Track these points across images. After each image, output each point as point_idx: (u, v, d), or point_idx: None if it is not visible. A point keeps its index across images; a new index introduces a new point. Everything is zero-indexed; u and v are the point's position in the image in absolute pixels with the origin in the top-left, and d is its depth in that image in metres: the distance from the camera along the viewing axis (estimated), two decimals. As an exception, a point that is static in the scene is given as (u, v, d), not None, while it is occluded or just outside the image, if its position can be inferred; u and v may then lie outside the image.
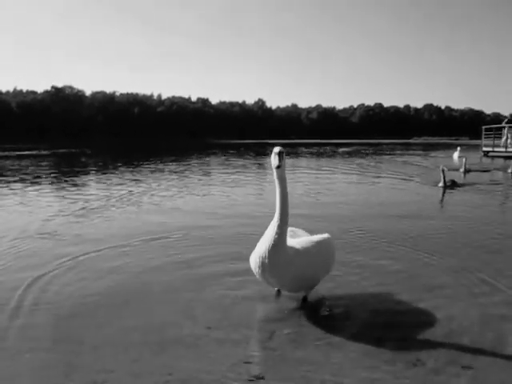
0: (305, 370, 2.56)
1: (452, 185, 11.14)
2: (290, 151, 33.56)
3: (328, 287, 3.79)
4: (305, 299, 3.50)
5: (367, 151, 35.16)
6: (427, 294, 3.70)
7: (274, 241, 3.16)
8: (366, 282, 4.03)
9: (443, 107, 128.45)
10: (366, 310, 3.41)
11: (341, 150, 38.32)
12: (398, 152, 33.78)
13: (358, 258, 4.69)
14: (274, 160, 3.18)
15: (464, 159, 15.32)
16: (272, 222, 3.24)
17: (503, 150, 24.42)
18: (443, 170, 11.17)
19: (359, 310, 3.41)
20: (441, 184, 11.23)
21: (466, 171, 14.83)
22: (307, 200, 8.91)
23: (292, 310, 3.41)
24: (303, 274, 3.32)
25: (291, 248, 3.28)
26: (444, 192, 10.49)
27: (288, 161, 18.90)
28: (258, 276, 3.41)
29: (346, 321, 3.24)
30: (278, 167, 3.14)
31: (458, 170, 15.02)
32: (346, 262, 4.46)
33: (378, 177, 14.72)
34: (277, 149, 3.17)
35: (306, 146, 47.41)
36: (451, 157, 23.11)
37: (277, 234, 3.16)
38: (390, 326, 3.15)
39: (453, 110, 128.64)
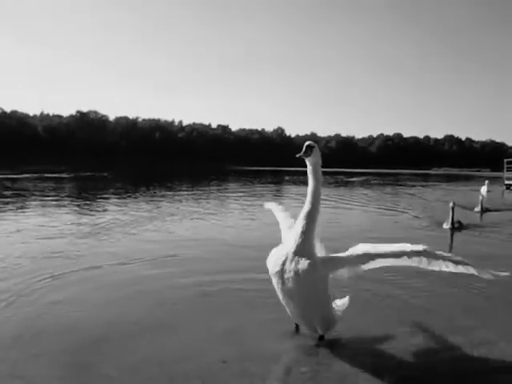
0: (321, 411, 2.52)
1: (459, 227, 9.34)
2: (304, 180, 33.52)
3: (346, 324, 3.72)
4: (321, 337, 3.43)
5: (377, 181, 34.88)
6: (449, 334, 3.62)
7: (301, 232, 3.15)
8: (381, 321, 3.96)
9: (464, 138, 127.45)
10: (385, 350, 3.35)
11: (353, 179, 38.05)
12: (409, 183, 33.39)
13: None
14: None
15: (480, 197, 13.22)
16: (298, 220, 3.24)
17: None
18: (452, 208, 9.26)
19: (378, 350, 3.35)
20: (447, 225, 9.40)
21: (483, 211, 12.79)
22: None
23: (309, 348, 3.36)
24: (317, 291, 3.20)
25: (318, 256, 3.22)
26: (452, 236, 8.83)
27: (293, 188, 18.74)
28: (272, 276, 3.29)
29: (364, 360, 3.18)
30: (299, 156, 3.23)
31: (472, 209, 12.94)
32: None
33: (379, 209, 13.74)
34: (307, 142, 3.28)
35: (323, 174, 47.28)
36: (478, 191, 20.51)
37: (303, 228, 3.16)
38: (411, 365, 3.09)
39: (473, 141, 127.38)
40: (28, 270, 5.34)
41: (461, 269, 2.97)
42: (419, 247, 3.04)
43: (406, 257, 3.06)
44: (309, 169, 3.31)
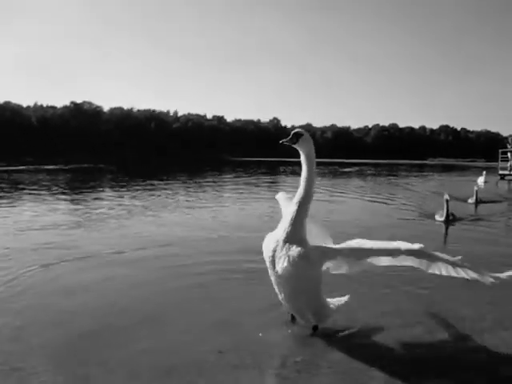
0: (316, 400, 2.55)
1: (453, 219, 8.99)
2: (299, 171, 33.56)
3: (342, 313, 3.74)
4: (315, 328, 3.45)
5: (371, 171, 34.89)
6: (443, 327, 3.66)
7: (291, 219, 3.16)
8: (378, 312, 3.99)
9: (459, 128, 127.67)
10: (380, 340, 3.37)
11: (346, 170, 37.96)
12: (403, 174, 33.47)
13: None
14: None
15: (475, 188, 12.68)
16: (292, 202, 3.26)
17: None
18: (447, 200, 8.86)
19: (373, 340, 3.38)
20: (440, 217, 9.00)
21: (478, 202, 12.45)
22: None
23: (304, 338, 3.39)
24: (308, 279, 3.17)
25: (309, 244, 3.20)
26: (446, 229, 8.50)
27: (289, 179, 18.59)
28: (266, 259, 3.30)
29: (358, 350, 3.21)
30: (283, 142, 3.27)
31: (466, 200, 12.66)
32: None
33: (373, 200, 13.55)
34: (296, 130, 3.30)
35: (318, 164, 47.45)
36: (475, 182, 20.37)
37: (293, 214, 3.17)
38: (404, 356, 3.12)
39: (469, 131, 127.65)
40: (20, 260, 5.32)
41: (461, 273, 2.89)
42: (415, 246, 2.97)
43: (402, 256, 3.00)
44: (302, 157, 3.32)
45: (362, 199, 14.16)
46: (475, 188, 12.65)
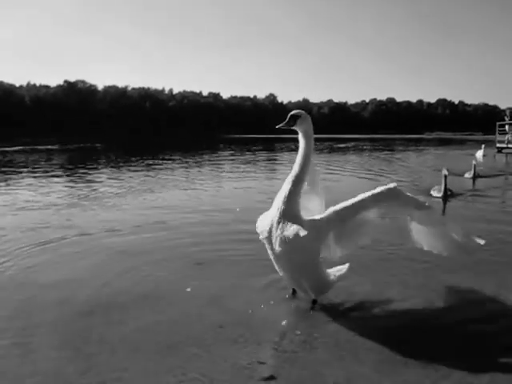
0: (317, 372, 2.58)
1: (450, 195, 8.69)
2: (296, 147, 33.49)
3: (342, 287, 3.77)
4: (314, 301, 3.48)
5: (367, 147, 34.71)
6: (441, 299, 3.70)
7: (285, 196, 3.13)
8: (378, 285, 4.02)
9: (457, 102, 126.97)
10: (380, 313, 3.40)
11: (341, 145, 37.57)
12: (400, 148, 33.35)
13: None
14: None
15: (473, 162, 12.30)
16: (287, 179, 3.23)
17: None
18: (445, 176, 8.49)
19: (373, 313, 3.41)
20: (438, 193, 8.65)
21: (475, 177, 12.08)
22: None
23: (304, 312, 3.42)
24: (305, 254, 3.17)
25: (306, 220, 3.17)
26: (444, 206, 8.09)
27: (285, 155, 18.42)
28: (262, 239, 3.31)
29: (357, 323, 3.24)
30: (280, 127, 3.23)
31: (463, 175, 12.30)
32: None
33: (366, 177, 13.02)
34: (292, 112, 3.26)
35: (314, 141, 47.05)
36: (473, 155, 19.69)
37: (288, 191, 3.14)
38: (405, 328, 3.15)
39: (466, 104, 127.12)
40: (17, 240, 5.32)
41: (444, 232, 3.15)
42: (391, 184, 3.19)
43: (384, 203, 3.16)
44: (300, 135, 3.29)
45: (356, 176, 13.91)
46: (473, 162, 12.27)
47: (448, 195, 8.60)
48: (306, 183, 3.42)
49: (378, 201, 3.18)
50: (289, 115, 3.23)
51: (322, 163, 17.56)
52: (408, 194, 3.25)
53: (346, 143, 42.11)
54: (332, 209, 3.22)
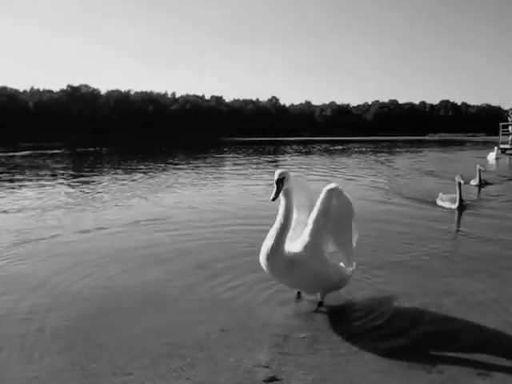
0: (321, 376, 2.56)
1: (465, 206, 7.66)
2: (298, 149, 33.53)
3: (348, 291, 3.75)
4: (320, 304, 3.49)
5: (363, 149, 34.22)
6: (444, 301, 3.67)
7: (272, 247, 3.19)
8: (383, 287, 4.01)
9: (459, 103, 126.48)
10: (386, 316, 3.39)
11: (337, 147, 37.07)
12: (398, 150, 33.09)
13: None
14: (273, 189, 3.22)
15: (479, 168, 10.50)
16: (273, 227, 3.25)
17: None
18: (459, 184, 7.49)
19: (378, 316, 3.39)
20: (449, 204, 7.61)
21: (482, 184, 10.62)
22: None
23: (309, 314, 3.41)
24: (302, 280, 3.35)
25: (290, 253, 3.25)
26: (459, 218, 7.19)
27: (287, 158, 18.18)
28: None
29: (362, 326, 3.23)
30: (275, 199, 3.19)
31: (468, 182, 9.85)
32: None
33: (353, 180, 12.43)
34: (277, 174, 3.20)
35: (314, 142, 47.17)
36: (485, 158, 17.97)
37: (274, 240, 3.19)
38: (407, 332, 3.13)
39: (469, 106, 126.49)
40: (24, 238, 5.34)
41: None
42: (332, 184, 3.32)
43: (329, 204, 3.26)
44: (283, 192, 3.24)
45: (336, 176, 13.41)
46: (478, 167, 10.60)
47: (463, 206, 7.57)
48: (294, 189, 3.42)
49: (326, 206, 3.29)
50: (276, 180, 3.19)
51: (309, 166, 17.52)
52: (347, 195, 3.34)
53: (342, 145, 41.84)
54: (306, 233, 3.31)
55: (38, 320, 3.32)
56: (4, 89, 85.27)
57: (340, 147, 37.82)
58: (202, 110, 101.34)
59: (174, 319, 3.33)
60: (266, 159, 23.63)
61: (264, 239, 3.28)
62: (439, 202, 7.94)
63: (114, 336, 3.06)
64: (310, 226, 3.31)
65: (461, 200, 7.52)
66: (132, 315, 3.41)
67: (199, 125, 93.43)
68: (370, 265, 4.45)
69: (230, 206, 8.05)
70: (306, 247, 3.25)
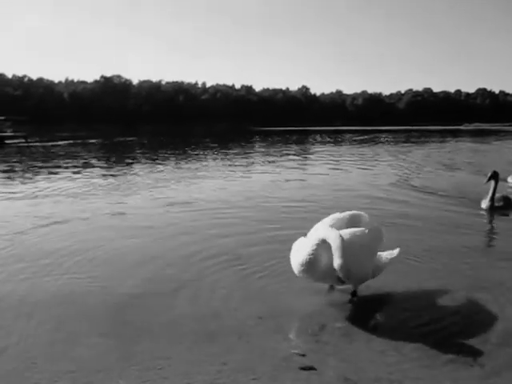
0: (357, 366, 2.55)
1: (503, 206, 6.62)
2: (327, 140, 33.03)
3: (383, 282, 3.69)
4: (354, 294, 3.46)
5: (385, 139, 33.15)
6: (480, 293, 3.58)
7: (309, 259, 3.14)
8: (421, 280, 3.94)
9: (497, 92, 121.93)
10: (423, 307, 3.33)
11: (354, 137, 36.00)
12: (421, 139, 32.07)
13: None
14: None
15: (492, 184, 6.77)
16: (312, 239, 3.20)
17: None
18: (492, 178, 6.64)
19: (414, 307, 3.34)
20: (484, 204, 6.66)
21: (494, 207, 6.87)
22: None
23: (342, 305, 3.39)
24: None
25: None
26: (491, 223, 6.28)
27: (316, 148, 17.98)
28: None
29: (397, 317, 3.18)
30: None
31: (505, 180, 8.68)
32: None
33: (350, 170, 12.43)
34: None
35: (344, 132, 46.44)
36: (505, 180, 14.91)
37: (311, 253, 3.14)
38: (448, 325, 3.07)
39: (508, 94, 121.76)
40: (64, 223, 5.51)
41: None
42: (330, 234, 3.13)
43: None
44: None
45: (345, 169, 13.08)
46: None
47: (499, 206, 6.62)
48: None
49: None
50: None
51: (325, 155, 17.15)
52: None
53: (374, 134, 40.79)
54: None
55: (77, 304, 3.41)
56: (41, 80, 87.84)
57: (362, 137, 36.64)
58: (232, 99, 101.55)
59: (212, 305, 3.36)
60: (293, 150, 23.49)
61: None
62: (482, 204, 6.78)
63: (151, 321, 3.12)
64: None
65: (492, 199, 6.59)
66: (169, 301, 3.46)
67: (229, 114, 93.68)
68: (407, 253, 4.34)
69: (266, 198, 8.02)
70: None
